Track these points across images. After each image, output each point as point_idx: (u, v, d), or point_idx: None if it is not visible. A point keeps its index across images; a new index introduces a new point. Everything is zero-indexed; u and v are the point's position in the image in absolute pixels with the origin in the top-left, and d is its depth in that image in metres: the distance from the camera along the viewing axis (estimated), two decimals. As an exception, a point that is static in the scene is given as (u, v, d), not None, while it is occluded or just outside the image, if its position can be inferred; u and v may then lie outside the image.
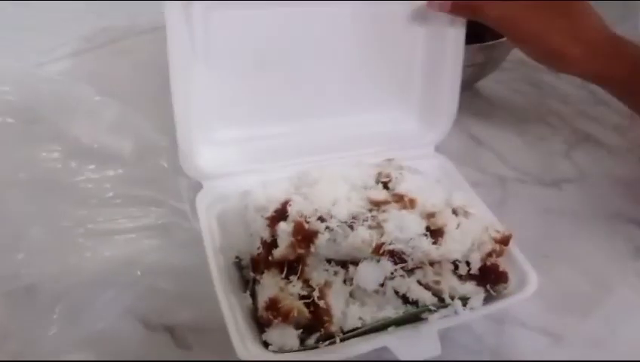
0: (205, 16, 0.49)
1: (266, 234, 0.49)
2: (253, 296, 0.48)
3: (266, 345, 0.45)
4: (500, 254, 0.50)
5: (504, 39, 0.70)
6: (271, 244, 0.48)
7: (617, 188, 0.68)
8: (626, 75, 0.57)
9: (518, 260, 0.50)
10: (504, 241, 0.51)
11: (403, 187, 0.53)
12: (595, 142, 0.75)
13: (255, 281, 0.48)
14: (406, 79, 0.60)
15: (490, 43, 0.68)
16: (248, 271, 0.50)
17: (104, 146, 0.49)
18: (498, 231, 0.51)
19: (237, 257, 0.51)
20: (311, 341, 0.45)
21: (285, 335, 0.45)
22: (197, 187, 0.51)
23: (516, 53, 0.83)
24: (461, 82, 0.60)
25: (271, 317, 0.45)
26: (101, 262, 0.45)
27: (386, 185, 0.54)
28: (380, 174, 0.55)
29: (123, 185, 0.48)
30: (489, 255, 0.49)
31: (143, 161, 0.51)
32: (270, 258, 0.47)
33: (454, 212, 0.52)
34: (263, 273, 0.48)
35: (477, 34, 0.67)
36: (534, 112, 0.81)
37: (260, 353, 0.43)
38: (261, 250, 0.49)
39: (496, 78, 0.85)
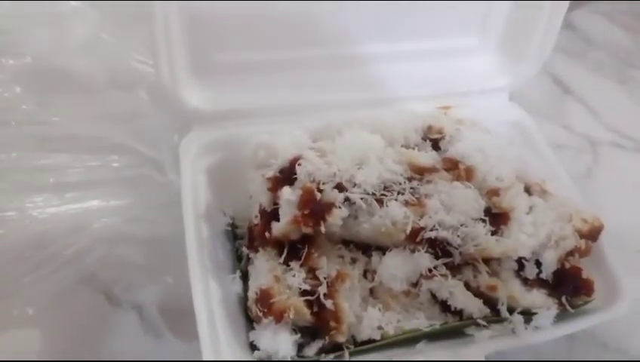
0: None
1: (265, 201, 0.37)
2: (246, 277, 0.37)
3: (253, 346, 0.34)
4: (585, 254, 0.37)
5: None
6: (271, 214, 0.36)
7: None
8: None
9: (608, 262, 0.38)
10: (592, 235, 0.37)
11: (459, 149, 0.39)
12: None
13: (249, 260, 0.37)
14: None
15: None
16: (244, 242, 0.39)
17: (69, 68, 0.38)
18: (585, 221, 0.37)
19: (231, 224, 0.39)
20: (311, 350, 0.35)
21: (278, 339, 0.34)
22: (183, 130, 0.38)
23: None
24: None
25: (260, 314, 0.33)
26: (30, 228, 0.34)
27: (436, 144, 0.41)
28: (429, 128, 0.41)
29: (78, 122, 0.37)
30: (570, 254, 0.36)
31: (116, 91, 0.39)
32: (267, 234, 0.35)
33: (527, 190, 0.38)
34: (257, 251, 0.36)
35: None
36: (643, 54, 0.65)
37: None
38: (259, 219, 0.37)
39: (594, 7, 0.70)
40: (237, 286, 0.37)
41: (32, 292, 0.34)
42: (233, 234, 0.40)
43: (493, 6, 0.44)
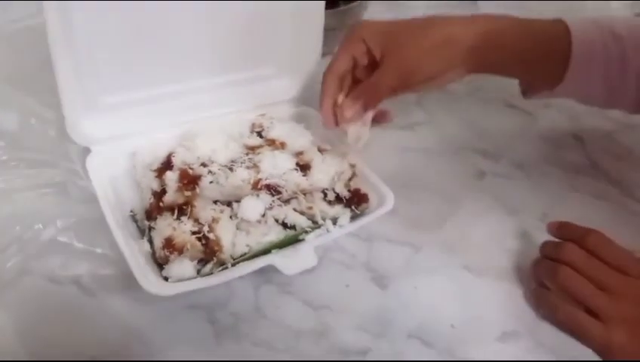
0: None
1: (155, 185, 0.55)
2: (150, 242, 0.53)
3: (166, 280, 0.51)
4: (355, 175, 0.59)
5: (355, 4, 0.79)
6: (161, 193, 0.54)
7: (461, 126, 0.80)
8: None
9: (376, 184, 0.59)
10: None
11: (274, 133, 0.60)
12: (441, 90, 0.86)
13: (150, 229, 0.54)
14: (276, 41, 0.66)
15: (342, 8, 0.77)
16: (143, 222, 0.55)
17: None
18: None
19: (131, 211, 0.56)
20: (206, 269, 0.51)
21: (182, 268, 0.50)
22: (87, 152, 0.55)
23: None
24: (323, 47, 0.67)
25: (168, 253, 0.50)
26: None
27: (260, 134, 0.62)
28: (253, 125, 0.62)
29: (16, 151, 0.52)
30: (349, 180, 0.58)
31: (31, 132, 0.54)
32: (161, 204, 0.53)
33: (319, 150, 0.60)
34: (156, 219, 0.53)
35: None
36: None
37: (162, 284, 0.49)
38: (152, 199, 0.54)
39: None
40: (146, 247, 0.53)
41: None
42: (134, 218, 0.57)
43: (278, 46, 0.67)
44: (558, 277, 0.54)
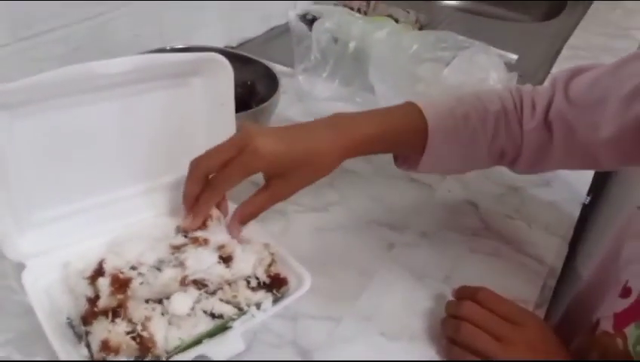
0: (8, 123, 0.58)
1: (89, 292, 0.59)
2: (89, 346, 0.57)
3: (106, 381, 0.55)
4: (274, 261, 0.65)
5: (266, 104, 0.88)
6: (95, 299, 0.59)
7: (371, 202, 0.89)
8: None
9: (294, 266, 0.65)
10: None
11: (198, 232, 0.66)
12: (351, 172, 0.95)
13: (87, 333, 0.58)
14: (191, 148, 0.71)
15: (254, 110, 0.86)
16: (80, 328, 0.59)
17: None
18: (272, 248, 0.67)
19: (68, 318, 0.60)
20: None
21: None
22: (21, 266, 0.59)
23: (281, 115, 1.01)
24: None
25: (105, 355, 0.55)
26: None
27: (185, 234, 0.67)
28: (178, 227, 0.68)
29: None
30: (269, 266, 0.64)
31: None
32: (96, 309, 0.58)
33: (239, 241, 0.66)
34: (92, 324, 0.57)
35: (243, 101, 0.85)
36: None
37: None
38: (87, 305, 0.58)
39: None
40: (85, 351, 0.57)
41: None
42: (71, 325, 0.60)
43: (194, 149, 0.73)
44: (460, 333, 0.63)
